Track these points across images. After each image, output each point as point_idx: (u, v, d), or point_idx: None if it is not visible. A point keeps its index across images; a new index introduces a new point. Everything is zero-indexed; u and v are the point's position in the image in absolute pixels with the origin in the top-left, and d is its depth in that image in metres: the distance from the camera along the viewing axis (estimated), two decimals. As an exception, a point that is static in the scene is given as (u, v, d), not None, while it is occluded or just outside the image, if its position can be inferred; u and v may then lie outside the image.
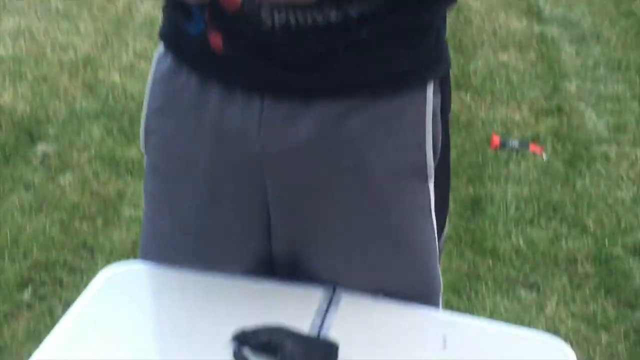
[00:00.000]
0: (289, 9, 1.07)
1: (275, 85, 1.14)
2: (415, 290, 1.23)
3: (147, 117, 1.26)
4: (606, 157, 3.06)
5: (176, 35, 1.20)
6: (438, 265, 1.26)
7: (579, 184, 2.90)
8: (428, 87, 1.17)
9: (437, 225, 1.23)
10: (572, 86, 3.59)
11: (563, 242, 2.61)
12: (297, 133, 1.15)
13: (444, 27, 1.20)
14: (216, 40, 1.13)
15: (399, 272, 1.23)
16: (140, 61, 3.64)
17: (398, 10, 1.10)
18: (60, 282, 2.37)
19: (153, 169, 1.28)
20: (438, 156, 1.20)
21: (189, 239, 1.26)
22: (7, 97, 3.27)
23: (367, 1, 1.07)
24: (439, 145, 1.20)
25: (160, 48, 1.25)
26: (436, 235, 1.23)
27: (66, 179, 2.80)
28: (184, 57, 1.20)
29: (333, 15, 1.07)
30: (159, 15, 3.89)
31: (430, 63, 1.17)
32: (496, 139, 3.14)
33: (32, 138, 3.00)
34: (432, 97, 1.17)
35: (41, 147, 2.95)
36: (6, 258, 2.43)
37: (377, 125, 1.15)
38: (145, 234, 1.33)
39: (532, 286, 2.47)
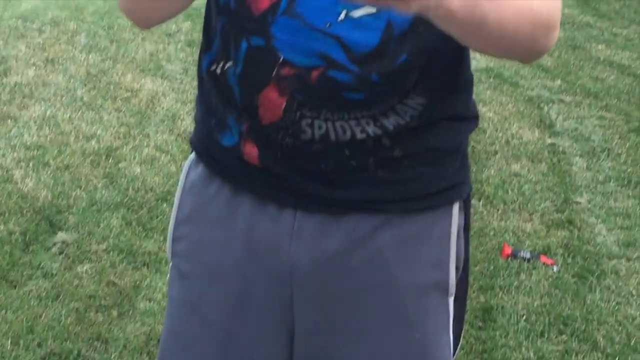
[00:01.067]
0: (329, 121, 1.11)
1: (308, 198, 1.18)
2: None
3: (176, 224, 1.29)
4: (616, 273, 3.10)
5: (209, 145, 1.23)
6: None
7: (589, 298, 2.93)
8: (454, 206, 1.22)
9: (453, 340, 1.25)
10: (582, 199, 3.66)
11: (573, 356, 2.62)
12: (327, 246, 1.19)
13: (467, 151, 1.26)
14: (252, 151, 1.17)
15: None
16: (161, 154, 3.73)
17: (429, 128, 1.15)
18: (73, 373, 2.39)
19: (180, 275, 1.29)
20: (460, 273, 1.24)
21: (213, 347, 1.26)
22: (30, 184, 3.34)
23: (401, 114, 1.13)
24: (462, 262, 1.24)
25: (192, 155, 1.28)
26: (452, 350, 1.26)
27: (84, 269, 2.84)
28: (216, 167, 1.23)
29: (370, 128, 1.12)
30: (180, 110, 4.04)
31: (456, 184, 1.23)
32: (508, 249, 3.18)
33: (52, 226, 3.05)
34: (457, 216, 1.22)
35: (61, 236, 2.99)
36: (21, 345, 2.45)
37: (405, 242, 1.19)
38: (166, 340, 1.32)
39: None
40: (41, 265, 2.82)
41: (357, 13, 1.04)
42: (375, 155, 1.15)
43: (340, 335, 1.23)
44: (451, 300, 1.23)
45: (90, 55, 4.94)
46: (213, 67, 1.17)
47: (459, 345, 1.30)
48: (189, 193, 1.27)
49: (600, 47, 6.15)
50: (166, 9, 1.15)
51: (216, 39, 1.17)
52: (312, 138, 1.12)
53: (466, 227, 1.25)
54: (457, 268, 1.23)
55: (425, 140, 1.17)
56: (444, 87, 1.15)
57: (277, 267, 1.21)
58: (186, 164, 1.30)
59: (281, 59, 1.08)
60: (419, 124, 1.14)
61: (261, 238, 1.21)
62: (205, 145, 1.25)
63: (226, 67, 1.14)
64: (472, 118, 1.24)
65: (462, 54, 1.18)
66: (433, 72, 1.13)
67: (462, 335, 1.30)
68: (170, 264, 1.32)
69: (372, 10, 1.04)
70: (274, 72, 1.09)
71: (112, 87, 4.48)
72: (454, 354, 1.27)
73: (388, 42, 1.07)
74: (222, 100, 1.18)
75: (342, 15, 1.05)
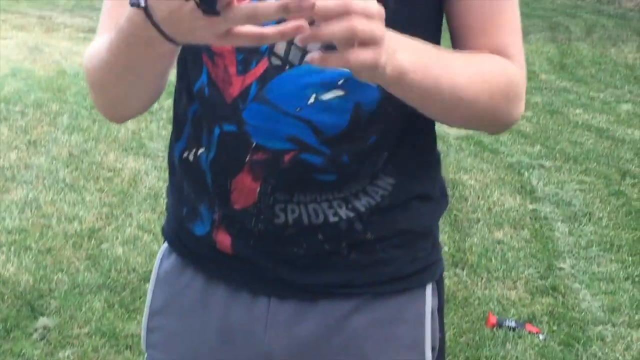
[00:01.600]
0: (302, 204, 1.13)
1: (282, 285, 1.18)
2: None
3: (150, 315, 1.28)
4: (602, 339, 3.09)
5: (181, 233, 1.23)
6: None
7: (576, 366, 2.92)
8: (427, 288, 1.23)
9: None
10: (566, 265, 3.66)
11: None
12: (302, 332, 1.19)
13: (438, 231, 1.27)
14: (224, 240, 1.17)
15: None
16: (143, 233, 3.72)
17: (400, 209, 1.17)
18: None
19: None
20: (436, 352, 1.24)
21: None
22: (11, 269, 3.32)
23: (372, 195, 1.14)
24: (437, 342, 1.24)
25: (164, 245, 1.28)
26: None
27: (66, 354, 2.81)
28: (189, 256, 1.23)
29: (343, 211, 1.14)
30: (162, 188, 4.05)
31: (429, 265, 1.23)
32: (493, 318, 3.17)
33: (34, 311, 3.03)
34: (430, 297, 1.22)
35: (42, 321, 2.97)
36: None
37: (380, 325, 1.19)
38: None
39: None
40: (22, 353, 2.79)
41: (326, 96, 1.06)
42: (348, 239, 1.16)
43: None
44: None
45: (73, 136, 4.97)
46: (185, 154, 1.18)
47: None
48: (162, 283, 1.26)
49: (577, 111, 6.24)
50: (142, 93, 1.12)
51: (187, 127, 1.18)
52: (285, 222, 1.13)
53: (440, 307, 1.26)
54: (433, 348, 1.23)
55: (396, 223, 1.18)
56: (412, 166, 1.17)
57: (252, 355, 1.21)
58: (159, 254, 1.30)
59: (254, 144, 1.09)
60: (390, 204, 1.15)
61: (236, 326, 1.21)
62: (177, 234, 1.24)
63: (199, 153, 1.15)
64: (441, 197, 1.25)
65: (430, 133, 1.21)
66: (402, 152, 1.15)
67: None
68: (146, 355, 1.31)
69: (341, 93, 1.06)
70: (247, 158, 1.10)
71: (94, 167, 4.49)
72: None
73: (357, 123, 1.09)
74: (194, 187, 1.19)
75: (312, 99, 1.07)
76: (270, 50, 1.05)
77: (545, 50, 8.60)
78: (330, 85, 1.06)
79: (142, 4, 0.88)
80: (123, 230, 3.75)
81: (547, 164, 4.99)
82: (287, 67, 1.06)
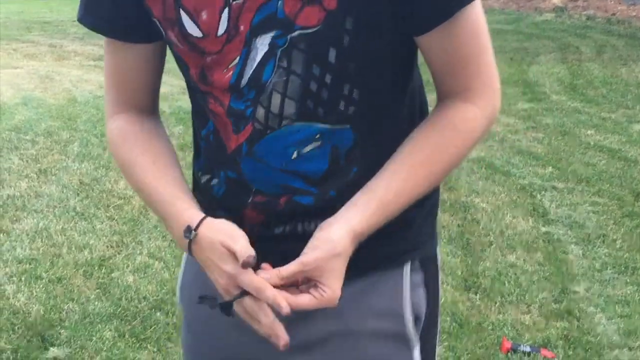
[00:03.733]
0: (299, 223, 1.25)
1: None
2: None
3: (181, 287, 1.42)
4: (619, 363, 3.04)
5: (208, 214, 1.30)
6: None
7: (592, 391, 2.87)
8: (405, 266, 1.29)
9: None
10: (580, 288, 3.62)
11: None
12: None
13: (427, 218, 1.33)
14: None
15: None
16: (154, 261, 3.71)
17: None
18: None
19: (187, 324, 1.42)
20: (421, 326, 1.30)
21: None
22: (22, 299, 3.31)
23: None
24: (422, 316, 1.30)
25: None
26: None
27: (76, 385, 2.79)
28: None
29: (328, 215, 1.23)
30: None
31: (408, 249, 1.29)
32: (507, 343, 3.13)
33: (44, 341, 3.02)
34: (409, 273, 1.28)
35: (53, 352, 2.95)
36: None
37: (356, 295, 1.26)
38: None
39: None
40: (33, 384, 2.77)
41: (306, 149, 1.20)
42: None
43: None
44: (416, 352, 1.29)
45: (83, 164, 4.98)
46: (200, 175, 1.32)
47: None
48: (192, 262, 1.33)
49: (589, 132, 6.20)
50: None
51: (202, 156, 1.32)
52: (282, 233, 1.26)
53: (429, 284, 1.31)
54: (417, 318, 1.29)
55: None
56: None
57: None
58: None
59: (254, 189, 1.24)
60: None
61: None
62: (207, 213, 1.31)
63: (212, 183, 1.29)
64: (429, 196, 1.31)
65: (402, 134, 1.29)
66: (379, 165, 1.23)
67: None
68: (183, 311, 1.44)
69: (318, 143, 1.20)
70: (250, 199, 1.24)
71: (104, 195, 4.49)
72: None
73: (337, 162, 1.21)
74: (211, 202, 1.30)
75: (294, 155, 1.20)
76: (254, 117, 1.19)
77: (556, 71, 8.58)
78: (308, 141, 1.19)
79: (191, 237, 1.18)
80: (133, 258, 3.74)
81: (560, 185, 4.96)
82: (268, 131, 1.19)
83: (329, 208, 1.20)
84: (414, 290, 1.28)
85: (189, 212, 1.20)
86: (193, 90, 1.26)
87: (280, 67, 1.15)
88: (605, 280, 3.70)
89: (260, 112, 1.18)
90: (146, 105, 1.34)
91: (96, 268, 3.62)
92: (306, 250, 1.16)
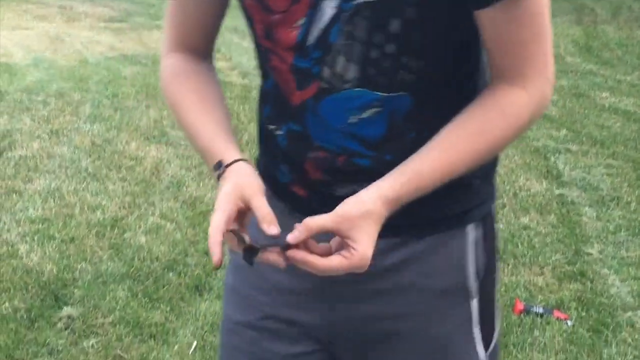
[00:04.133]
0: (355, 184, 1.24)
1: None
2: None
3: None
4: (632, 325, 3.03)
5: (268, 170, 1.35)
6: None
7: (605, 352, 2.86)
8: (467, 226, 1.30)
9: (483, 339, 1.33)
10: (594, 250, 3.60)
11: (592, 415, 2.56)
12: None
13: (487, 178, 1.34)
14: (299, 191, 1.32)
15: None
16: (166, 222, 3.71)
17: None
18: None
19: (234, 267, 1.42)
20: (482, 277, 1.32)
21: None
22: (35, 258, 3.32)
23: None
24: (482, 268, 1.32)
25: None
26: (482, 349, 1.33)
27: (90, 343, 2.80)
28: (272, 189, 1.32)
29: None
30: (185, 176, 4.05)
31: (469, 209, 1.30)
32: (520, 305, 3.12)
33: (58, 301, 3.03)
34: (473, 232, 1.30)
35: (66, 310, 2.96)
36: None
37: (421, 255, 1.28)
38: (222, 322, 1.47)
39: None
40: (47, 342, 2.78)
41: (365, 114, 1.21)
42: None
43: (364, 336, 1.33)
44: (474, 302, 1.31)
45: (95, 125, 4.97)
46: (267, 124, 1.33)
47: (492, 345, 1.34)
48: None
49: (604, 94, 6.15)
50: None
51: (268, 105, 1.33)
52: (342, 195, 1.23)
53: (488, 238, 1.32)
54: (477, 273, 1.30)
55: None
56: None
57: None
58: None
59: (315, 145, 1.26)
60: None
61: None
62: (267, 168, 1.35)
63: (276, 133, 1.30)
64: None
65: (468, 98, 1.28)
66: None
67: (494, 336, 1.36)
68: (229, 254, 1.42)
69: (377, 109, 1.21)
70: (310, 154, 1.26)
71: (116, 156, 4.49)
72: (487, 351, 1.34)
73: (394, 127, 1.22)
74: (275, 152, 1.32)
75: (353, 119, 1.22)
76: (320, 75, 1.21)
77: (571, 33, 8.50)
78: (366, 107, 1.21)
79: (220, 171, 1.20)
80: (146, 219, 3.74)
81: (574, 148, 4.92)
82: (332, 91, 1.21)
83: (386, 172, 1.21)
84: (475, 246, 1.30)
85: (227, 151, 1.22)
86: (257, 45, 1.28)
87: (345, 32, 1.16)
88: (619, 243, 3.68)
89: (326, 71, 1.20)
90: (202, 48, 1.37)
91: (108, 228, 3.63)
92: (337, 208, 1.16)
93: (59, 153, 4.49)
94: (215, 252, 1.11)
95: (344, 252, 1.14)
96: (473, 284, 1.30)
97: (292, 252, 1.14)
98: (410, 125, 1.23)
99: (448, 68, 1.23)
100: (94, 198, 3.93)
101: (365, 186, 1.22)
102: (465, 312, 1.32)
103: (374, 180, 1.22)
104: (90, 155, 4.48)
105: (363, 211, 1.14)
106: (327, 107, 1.23)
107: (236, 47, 7.41)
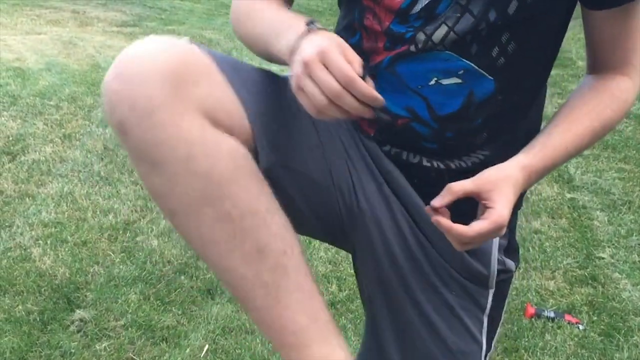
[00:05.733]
0: (404, 148, 1.30)
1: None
2: None
3: None
4: (644, 329, 3.03)
5: None
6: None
7: (617, 357, 2.86)
8: None
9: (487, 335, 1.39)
10: (605, 254, 3.60)
11: (603, 419, 2.55)
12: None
13: None
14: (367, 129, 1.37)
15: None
16: (178, 226, 3.72)
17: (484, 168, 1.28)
18: None
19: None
20: (500, 272, 1.39)
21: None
22: (47, 262, 3.34)
23: (465, 161, 1.31)
24: (502, 265, 1.39)
25: None
26: (485, 342, 1.39)
27: (102, 346, 2.81)
28: None
29: (435, 163, 1.31)
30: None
31: None
32: (531, 309, 3.12)
33: (70, 304, 3.04)
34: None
35: (79, 313, 2.98)
36: None
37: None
38: None
39: None
40: (59, 345, 2.80)
41: (446, 81, 1.22)
42: (432, 183, 1.30)
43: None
44: (490, 292, 1.38)
45: (107, 130, 4.99)
46: None
47: (492, 346, 1.40)
48: None
49: (616, 98, 6.13)
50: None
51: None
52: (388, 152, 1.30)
53: (512, 228, 1.45)
54: (497, 268, 1.38)
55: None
56: (508, 140, 1.31)
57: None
58: None
59: None
60: (478, 168, 1.27)
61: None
62: None
63: None
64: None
65: (537, 120, 1.37)
66: (503, 133, 1.30)
67: (494, 339, 1.42)
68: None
69: (459, 80, 1.22)
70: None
71: (128, 160, 4.50)
72: (487, 351, 1.40)
73: (468, 108, 1.25)
74: None
75: (433, 82, 1.23)
76: (413, 41, 1.21)
77: (582, 37, 8.47)
78: (451, 73, 1.22)
79: (314, 27, 1.10)
80: (158, 222, 3.75)
81: (585, 152, 4.90)
82: (420, 53, 1.22)
83: (440, 146, 1.26)
84: (499, 246, 1.37)
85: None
86: (354, 1, 1.28)
87: (458, 3, 1.17)
88: (631, 247, 3.68)
89: (421, 37, 1.21)
90: None
91: (121, 232, 3.64)
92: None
93: (72, 157, 4.52)
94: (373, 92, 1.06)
95: (483, 216, 1.17)
96: (494, 274, 1.37)
97: (439, 218, 1.17)
98: (483, 112, 1.25)
99: (537, 59, 1.26)
100: (106, 202, 3.95)
101: (412, 154, 1.28)
102: (483, 299, 1.38)
103: (421, 151, 1.27)
104: (102, 159, 4.50)
105: (502, 175, 1.19)
106: (408, 66, 1.23)
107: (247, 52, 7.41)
